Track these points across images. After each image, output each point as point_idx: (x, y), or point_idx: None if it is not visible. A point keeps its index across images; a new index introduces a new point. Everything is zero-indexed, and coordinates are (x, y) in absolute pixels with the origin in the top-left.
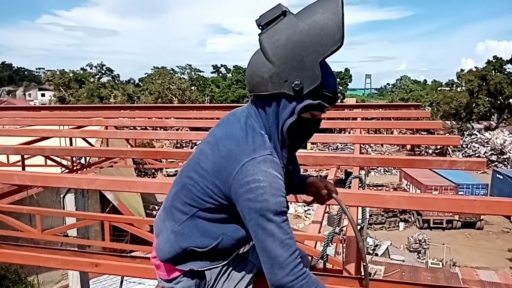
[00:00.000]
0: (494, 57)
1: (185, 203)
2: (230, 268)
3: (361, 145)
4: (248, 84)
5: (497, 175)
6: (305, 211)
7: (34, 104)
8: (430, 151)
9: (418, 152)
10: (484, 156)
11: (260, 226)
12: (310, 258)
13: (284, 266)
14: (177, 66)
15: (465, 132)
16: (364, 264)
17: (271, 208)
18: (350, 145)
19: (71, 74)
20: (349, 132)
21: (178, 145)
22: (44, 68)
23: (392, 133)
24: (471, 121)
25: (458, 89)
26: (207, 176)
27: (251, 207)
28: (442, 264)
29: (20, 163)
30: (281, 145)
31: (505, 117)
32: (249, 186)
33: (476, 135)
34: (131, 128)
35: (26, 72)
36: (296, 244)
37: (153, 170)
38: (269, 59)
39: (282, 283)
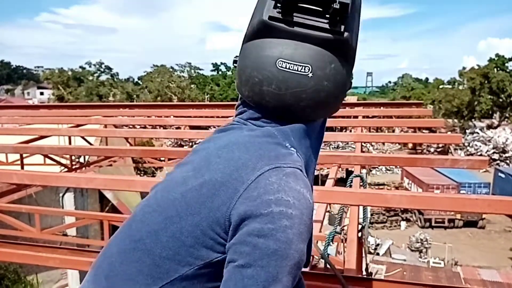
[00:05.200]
0: (496, 55)
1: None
2: None
3: (362, 144)
4: None
5: (499, 174)
6: None
7: (33, 103)
8: (432, 150)
9: (420, 151)
10: (486, 154)
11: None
12: (310, 257)
13: None
14: (177, 64)
15: (467, 131)
16: None
17: (292, 255)
18: (351, 143)
19: (69, 73)
20: (350, 131)
21: (178, 144)
22: (43, 67)
23: (393, 131)
24: (473, 119)
25: (460, 87)
26: (183, 215)
27: (258, 246)
28: (444, 263)
29: (19, 162)
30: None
31: (507, 115)
32: (270, 209)
33: (478, 133)
34: (130, 126)
35: (24, 71)
36: None
37: (152, 169)
38: None
39: None
